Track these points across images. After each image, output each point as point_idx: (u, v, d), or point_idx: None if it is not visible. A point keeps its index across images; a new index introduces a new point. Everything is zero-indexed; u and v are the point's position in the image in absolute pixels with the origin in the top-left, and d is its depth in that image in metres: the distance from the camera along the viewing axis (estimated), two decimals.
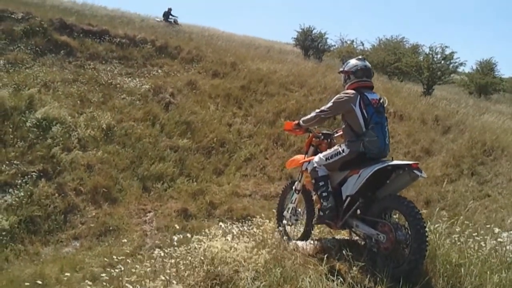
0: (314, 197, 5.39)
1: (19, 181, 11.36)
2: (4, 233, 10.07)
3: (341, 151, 4.81)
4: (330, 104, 4.94)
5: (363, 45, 29.21)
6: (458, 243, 4.71)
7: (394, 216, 4.79)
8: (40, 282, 7.39)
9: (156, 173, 12.85)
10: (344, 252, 4.55)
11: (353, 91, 4.84)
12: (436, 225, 4.99)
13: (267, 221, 7.08)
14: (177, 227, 10.50)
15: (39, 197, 11.11)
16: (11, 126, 12.67)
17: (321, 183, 4.93)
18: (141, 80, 16.94)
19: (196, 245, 5.41)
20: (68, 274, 7.93)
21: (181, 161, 13.56)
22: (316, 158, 5.06)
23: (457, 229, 4.96)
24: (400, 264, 4.31)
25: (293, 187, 5.73)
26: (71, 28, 18.33)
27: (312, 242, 5.23)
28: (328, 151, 5.02)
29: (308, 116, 5.15)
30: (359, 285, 3.98)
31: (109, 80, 16.27)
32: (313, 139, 5.57)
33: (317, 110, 5.06)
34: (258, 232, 6.29)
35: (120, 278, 5.00)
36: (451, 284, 4.15)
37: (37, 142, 12.51)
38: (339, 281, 4.00)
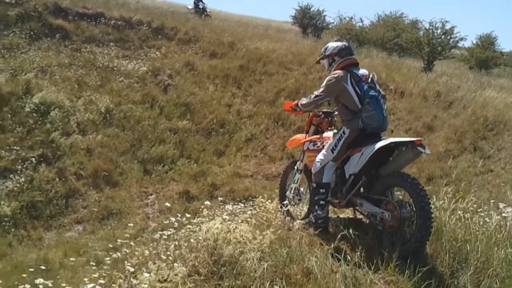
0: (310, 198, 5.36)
1: (19, 167, 11.31)
2: (6, 219, 10.06)
3: (342, 134, 4.76)
4: (322, 88, 4.89)
5: (362, 21, 29.00)
6: (463, 219, 4.69)
7: (398, 193, 4.77)
8: (44, 267, 7.40)
9: (157, 156, 12.80)
10: (350, 231, 4.53)
11: (341, 71, 4.79)
12: (441, 202, 4.96)
13: (269, 201, 7.07)
14: (179, 208, 10.59)
15: (39, 182, 11.07)
16: (9, 112, 12.59)
17: (321, 190, 4.89)
18: (138, 62, 16.80)
19: (198, 227, 5.39)
20: (73, 258, 7.91)
21: (181, 143, 13.50)
22: (320, 156, 4.95)
23: (461, 205, 4.93)
24: (406, 241, 4.30)
25: (295, 167, 5.69)
26: (66, 11, 18.12)
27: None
28: (330, 141, 4.95)
29: (305, 102, 5.10)
30: (365, 264, 3.95)
31: (106, 63, 16.13)
32: (314, 118, 5.55)
33: (312, 96, 5.00)
34: (260, 212, 6.27)
35: (126, 261, 4.97)
36: (457, 260, 4.15)
37: (36, 127, 12.43)
38: (345, 260, 3.97)
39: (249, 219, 5.60)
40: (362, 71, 4.85)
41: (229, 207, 6.91)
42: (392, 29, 26.40)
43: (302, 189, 5.71)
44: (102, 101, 13.98)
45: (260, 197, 7.91)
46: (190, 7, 25.76)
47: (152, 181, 12.13)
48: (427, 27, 22.48)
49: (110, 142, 12.81)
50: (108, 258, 5.28)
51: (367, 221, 5.00)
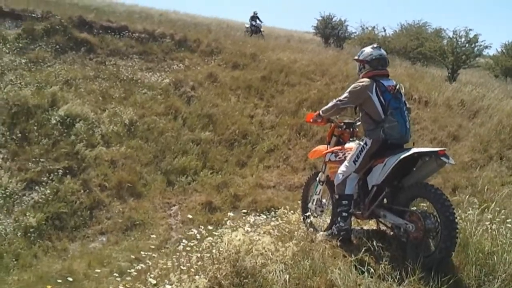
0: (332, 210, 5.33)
1: (45, 178, 11.48)
2: (32, 230, 10.20)
3: (364, 145, 4.75)
4: (346, 93, 4.90)
5: (384, 31, 28.85)
6: (490, 230, 4.60)
7: (422, 205, 4.70)
8: (68, 278, 7.47)
9: (180, 167, 12.84)
10: (373, 242, 4.48)
11: (368, 79, 4.79)
12: (467, 213, 4.88)
13: (292, 212, 7.03)
14: (202, 219, 10.60)
15: (65, 193, 11.20)
16: (35, 124, 12.80)
17: (344, 202, 4.88)
18: (162, 74, 16.96)
19: (220, 238, 5.39)
20: (98, 270, 7.97)
21: (204, 154, 13.53)
22: (342, 167, 4.94)
23: (488, 216, 4.84)
24: (431, 253, 4.23)
25: (317, 178, 5.67)
26: (91, 25, 18.43)
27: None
28: (352, 152, 4.93)
29: (327, 106, 5.12)
30: (389, 276, 3.89)
31: (130, 76, 16.32)
32: (335, 129, 5.54)
33: (335, 100, 5.03)
34: (283, 223, 6.24)
35: (149, 273, 5.00)
36: (484, 272, 4.07)
37: (61, 139, 12.61)
38: (369, 272, 3.91)
39: (271, 231, 5.58)
40: (389, 82, 4.82)
41: (251, 218, 6.91)
42: (416, 38, 26.18)
43: (324, 200, 5.68)
44: (126, 113, 14.13)
45: (282, 208, 7.88)
46: (247, 25, 25.45)
47: (175, 192, 12.17)
48: (451, 36, 22.27)
49: (134, 154, 12.92)
50: (131, 270, 5.32)
51: (391, 233, 4.93)
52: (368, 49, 4.98)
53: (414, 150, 4.42)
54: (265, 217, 7.81)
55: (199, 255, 5.02)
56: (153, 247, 8.45)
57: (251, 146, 14.09)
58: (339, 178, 4.91)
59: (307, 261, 4.24)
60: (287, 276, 3.97)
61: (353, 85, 4.88)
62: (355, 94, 4.80)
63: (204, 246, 5.45)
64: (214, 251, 4.92)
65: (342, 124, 5.49)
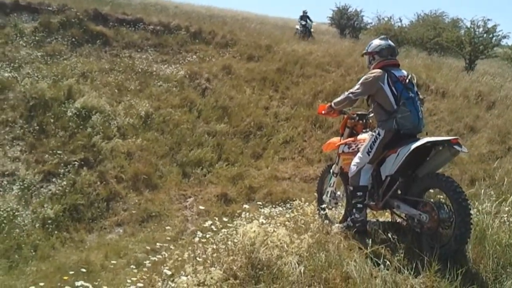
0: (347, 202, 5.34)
1: (62, 170, 11.62)
2: (49, 221, 10.34)
3: (377, 135, 4.74)
4: (358, 85, 4.91)
5: (401, 21, 28.57)
6: (508, 222, 4.55)
7: (438, 197, 4.64)
8: (85, 269, 7.55)
9: (195, 159, 12.89)
10: (389, 234, 4.46)
11: (379, 70, 4.80)
12: (484, 205, 4.83)
13: (307, 204, 7.01)
14: (217, 211, 10.63)
15: (81, 185, 11.33)
16: (52, 117, 12.94)
17: (359, 193, 4.88)
18: (177, 66, 16.98)
19: (235, 230, 5.40)
20: (114, 261, 8.05)
21: (219, 146, 13.55)
22: (356, 159, 4.93)
23: (506, 209, 4.79)
24: (446, 242, 4.18)
25: (331, 171, 5.64)
26: (106, 18, 18.49)
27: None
28: (365, 143, 4.92)
29: (339, 98, 5.09)
30: (405, 269, 3.87)
31: (145, 68, 16.37)
32: (348, 120, 5.52)
33: (347, 92, 4.99)
34: (298, 215, 6.23)
35: (164, 264, 5.03)
36: (501, 265, 4.03)
37: (77, 132, 12.74)
38: (385, 264, 3.89)
39: (286, 223, 5.58)
40: (401, 72, 4.81)
41: (266, 210, 6.91)
42: (432, 29, 25.87)
43: (338, 192, 5.66)
44: (141, 105, 14.21)
45: (297, 200, 7.86)
46: (298, 27, 23.70)
47: (190, 184, 12.23)
48: (469, 26, 21.94)
49: (150, 146, 12.99)
50: (147, 261, 5.36)
51: (406, 224, 4.89)
52: (376, 41, 5.04)
53: (427, 139, 4.41)
54: (280, 209, 7.82)
55: (214, 246, 5.04)
56: (169, 238, 8.49)
57: (266, 138, 14.07)
58: (353, 169, 4.89)
59: (323, 253, 4.23)
60: (303, 268, 3.97)
61: (364, 77, 4.88)
62: (367, 85, 4.81)
63: (219, 238, 5.48)
64: (229, 242, 4.93)
65: (355, 115, 5.46)
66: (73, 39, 16.74)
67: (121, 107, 14.05)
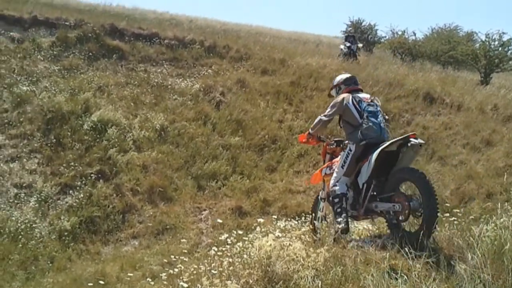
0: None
1: (79, 183, 11.74)
2: (66, 233, 10.44)
3: (349, 151, 5.40)
4: (328, 108, 5.74)
5: (415, 35, 28.52)
6: None
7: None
8: (102, 281, 7.60)
9: (210, 172, 12.92)
10: (406, 249, 4.45)
11: (345, 93, 5.67)
12: (501, 219, 4.80)
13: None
14: (232, 224, 10.64)
15: (98, 198, 11.43)
16: (69, 130, 13.09)
17: (336, 199, 5.43)
18: (192, 80, 17.10)
19: (251, 243, 5.41)
20: (131, 274, 8.10)
21: (234, 159, 13.58)
22: (334, 174, 5.59)
23: None
24: (419, 226, 4.72)
25: (319, 197, 6.22)
26: (122, 32, 18.72)
27: (372, 239, 5.16)
28: (339, 159, 5.62)
29: (313, 124, 5.89)
30: (423, 283, 3.85)
31: (160, 82, 16.51)
32: (327, 147, 6.19)
33: (319, 116, 5.80)
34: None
35: (180, 277, 5.05)
36: None
37: (94, 145, 12.87)
38: (403, 279, 3.88)
39: (302, 236, 5.59)
40: (364, 94, 5.65)
41: (281, 223, 6.92)
42: (447, 42, 25.83)
43: (328, 218, 6.11)
44: (157, 118, 14.31)
45: (313, 214, 7.85)
46: (342, 48, 21.82)
47: (205, 197, 12.26)
48: (483, 39, 21.89)
49: (165, 159, 13.06)
50: (163, 274, 5.38)
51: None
52: (339, 76, 6.09)
53: (389, 142, 5.06)
54: (295, 222, 7.82)
55: (230, 260, 5.06)
56: (184, 251, 8.53)
57: (280, 151, 14.07)
58: (332, 183, 5.54)
59: (339, 268, 4.23)
60: (320, 283, 3.97)
61: (333, 101, 5.73)
62: (335, 106, 5.61)
63: (235, 251, 5.50)
64: (245, 256, 4.95)
65: (333, 142, 6.08)
66: (90, 54, 16.96)
67: (136, 120, 14.17)
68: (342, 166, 5.44)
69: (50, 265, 9.58)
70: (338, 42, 29.59)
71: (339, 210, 5.35)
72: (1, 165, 11.93)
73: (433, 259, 4.41)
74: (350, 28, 23.55)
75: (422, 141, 5.00)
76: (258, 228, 5.81)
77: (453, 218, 5.15)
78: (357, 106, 5.43)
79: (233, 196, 12.26)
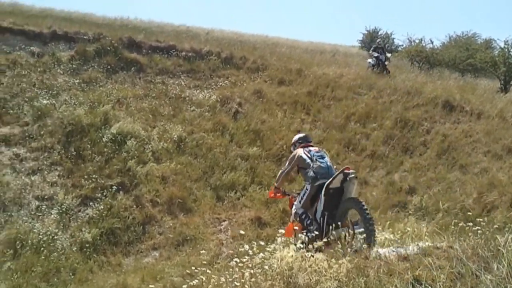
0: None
1: (99, 195, 11.84)
2: (87, 245, 10.52)
3: (306, 190, 6.66)
4: (286, 163, 7.18)
5: (432, 43, 28.33)
6: None
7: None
8: None
9: (228, 182, 12.94)
10: (429, 259, 4.39)
11: (299, 149, 7.04)
12: None
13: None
14: (251, 235, 10.61)
15: (118, 209, 11.49)
16: (88, 142, 13.22)
17: (303, 217, 6.66)
18: (209, 91, 17.20)
19: (271, 254, 5.39)
20: (152, 285, 8.10)
21: (252, 169, 13.58)
22: (294, 206, 6.95)
23: None
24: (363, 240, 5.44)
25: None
26: (140, 45, 18.93)
27: (395, 250, 5.11)
28: (299, 196, 6.87)
29: (277, 178, 7.33)
30: None
31: (178, 93, 16.64)
32: (292, 199, 7.23)
33: (280, 171, 7.32)
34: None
35: None
36: None
37: (113, 157, 12.97)
38: None
39: (323, 247, 5.55)
40: (313, 148, 7.02)
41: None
42: (465, 50, 25.62)
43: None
44: (175, 130, 14.41)
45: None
46: (371, 60, 21.02)
47: (224, 208, 12.27)
48: (502, 46, 21.68)
49: (184, 170, 13.12)
50: (185, 285, 5.38)
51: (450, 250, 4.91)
52: (295, 136, 7.52)
53: (330, 179, 6.27)
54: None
55: (251, 271, 5.04)
56: (204, 262, 8.54)
57: None
58: (292, 212, 6.93)
59: (362, 279, 4.19)
60: None
61: (290, 156, 7.09)
62: (291, 159, 7.00)
63: (256, 262, 5.48)
64: (266, 267, 4.94)
65: (296, 195, 7.13)
66: (109, 67, 17.17)
67: (155, 132, 14.28)
68: (300, 201, 6.74)
69: (72, 277, 9.65)
70: (355, 51, 29.58)
71: (309, 221, 6.57)
72: (23, 177, 12.08)
73: (457, 269, 4.36)
74: (379, 40, 23.05)
75: (354, 175, 6.27)
76: (279, 240, 5.78)
77: (477, 228, 5.08)
78: (307, 154, 6.78)
79: (252, 206, 12.25)
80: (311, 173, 6.53)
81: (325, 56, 24.03)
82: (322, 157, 6.73)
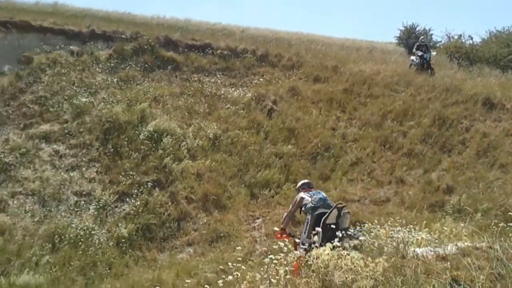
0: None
1: (135, 191, 12.03)
2: (123, 240, 10.70)
3: (308, 220, 7.35)
4: (291, 206, 7.98)
5: (471, 39, 27.60)
6: None
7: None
8: None
9: (263, 180, 12.94)
10: (468, 259, 4.28)
11: (301, 193, 7.84)
12: None
13: (379, 227, 6.85)
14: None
15: (154, 205, 11.66)
16: (126, 139, 13.44)
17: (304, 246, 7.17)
18: (244, 89, 17.23)
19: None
20: (188, 280, 8.18)
21: (287, 167, 13.54)
22: (301, 241, 7.37)
23: None
24: None
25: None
26: (176, 44, 19.12)
27: (432, 249, 5.00)
28: (303, 229, 7.51)
29: (282, 219, 7.99)
30: None
31: (213, 91, 16.74)
32: (297, 244, 7.51)
33: (285, 213, 8.03)
34: (370, 238, 6.08)
35: (237, 285, 5.05)
36: None
37: (150, 154, 13.15)
38: None
39: (359, 246, 5.48)
40: (315, 191, 7.86)
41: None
42: (506, 46, 24.86)
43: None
44: (210, 127, 14.50)
45: (368, 223, 7.71)
46: (414, 58, 20.04)
47: (258, 205, 12.27)
48: None
49: (218, 167, 13.18)
50: (220, 281, 5.39)
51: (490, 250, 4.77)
52: (300, 182, 8.48)
53: (323, 218, 6.94)
54: (351, 231, 7.69)
55: (286, 268, 5.01)
56: (239, 259, 8.54)
57: (334, 159, 13.92)
58: (300, 248, 7.16)
59: (399, 278, 4.11)
60: None
61: (294, 199, 7.96)
62: (295, 202, 7.82)
63: (290, 260, 5.44)
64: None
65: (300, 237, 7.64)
66: (145, 65, 17.41)
67: (190, 130, 14.40)
68: (305, 233, 7.31)
69: (108, 271, 9.83)
70: (392, 48, 29.16)
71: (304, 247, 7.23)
72: (62, 173, 12.37)
73: (497, 270, 4.23)
74: (422, 37, 22.17)
75: (346, 211, 7.25)
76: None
77: None
78: (307, 194, 7.67)
79: (286, 204, 12.16)
80: (310, 205, 7.39)
81: (362, 53, 23.73)
82: (319, 193, 7.77)
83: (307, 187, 8.15)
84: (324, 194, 7.80)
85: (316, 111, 16.03)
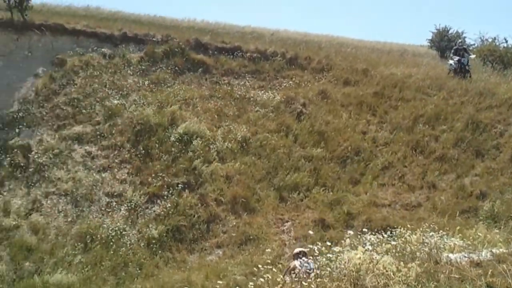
0: None
1: (166, 193, 12.16)
2: (154, 241, 10.83)
3: None
4: (283, 271, 7.63)
5: (506, 41, 26.99)
6: None
7: None
8: None
9: (292, 183, 12.90)
10: (504, 266, 4.19)
11: (295, 261, 7.83)
12: None
13: (410, 232, 6.76)
14: (315, 237, 10.50)
15: (183, 207, 11.77)
16: (156, 142, 13.59)
17: None
18: (273, 92, 17.18)
19: (336, 256, 5.30)
20: (220, 281, 8.21)
21: (316, 170, 13.46)
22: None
23: None
24: None
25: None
26: (206, 46, 19.20)
27: (466, 255, 4.91)
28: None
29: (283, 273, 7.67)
30: None
31: (243, 94, 16.75)
32: None
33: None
34: (402, 243, 6.01)
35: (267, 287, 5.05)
36: None
37: (180, 156, 13.27)
38: None
39: (391, 250, 5.42)
40: (306, 259, 7.65)
41: (370, 237, 6.75)
42: None
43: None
44: (239, 130, 14.53)
45: (400, 228, 7.59)
46: (451, 61, 19.24)
47: (287, 208, 12.25)
48: None
49: (248, 170, 13.20)
50: (251, 283, 5.40)
51: None
52: (295, 250, 8.34)
53: None
54: (381, 236, 7.60)
55: (317, 271, 4.98)
56: (268, 261, 8.53)
57: (364, 163, 13.78)
58: None
59: (432, 283, 4.07)
60: None
61: (287, 266, 7.94)
62: (289, 268, 7.64)
63: (321, 263, 5.41)
64: (328, 269, 4.87)
65: None
66: (176, 68, 17.54)
67: (220, 132, 14.46)
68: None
69: (139, 271, 9.96)
70: (424, 50, 28.72)
71: None
72: (94, 174, 12.58)
73: None
74: (460, 40, 21.38)
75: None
76: (347, 241, 5.68)
77: None
78: (299, 263, 7.58)
79: (315, 208, 12.14)
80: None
81: (393, 56, 23.42)
82: (309, 263, 7.64)
83: (302, 256, 8.02)
84: (313, 265, 7.38)
85: (346, 114, 15.89)
